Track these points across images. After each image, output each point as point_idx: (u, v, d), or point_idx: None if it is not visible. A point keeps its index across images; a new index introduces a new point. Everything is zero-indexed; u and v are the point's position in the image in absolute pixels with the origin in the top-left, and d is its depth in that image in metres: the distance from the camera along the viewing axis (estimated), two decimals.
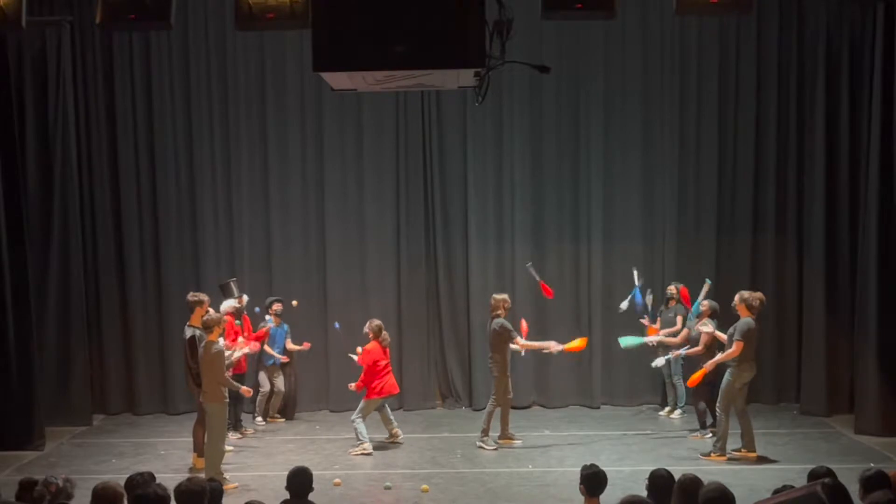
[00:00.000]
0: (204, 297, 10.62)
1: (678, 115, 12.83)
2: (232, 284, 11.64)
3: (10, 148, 11.26)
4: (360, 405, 11.02)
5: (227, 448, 10.85)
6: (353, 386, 11.09)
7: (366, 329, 11.10)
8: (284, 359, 12.28)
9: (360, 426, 10.90)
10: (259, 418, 12.33)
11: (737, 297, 10.42)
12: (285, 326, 12.26)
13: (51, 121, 12.14)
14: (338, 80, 6.48)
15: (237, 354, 10.85)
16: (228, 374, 10.05)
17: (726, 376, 10.31)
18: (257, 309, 12.01)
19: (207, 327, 9.66)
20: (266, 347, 12.01)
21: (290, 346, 12.34)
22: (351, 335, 12.68)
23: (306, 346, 12.40)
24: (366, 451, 10.83)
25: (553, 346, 11.23)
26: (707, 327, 10.84)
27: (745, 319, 10.28)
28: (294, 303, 12.26)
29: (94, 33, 12.49)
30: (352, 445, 10.96)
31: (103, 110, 12.77)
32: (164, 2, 7.54)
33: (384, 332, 11.17)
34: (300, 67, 12.48)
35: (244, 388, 10.27)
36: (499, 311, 10.99)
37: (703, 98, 12.82)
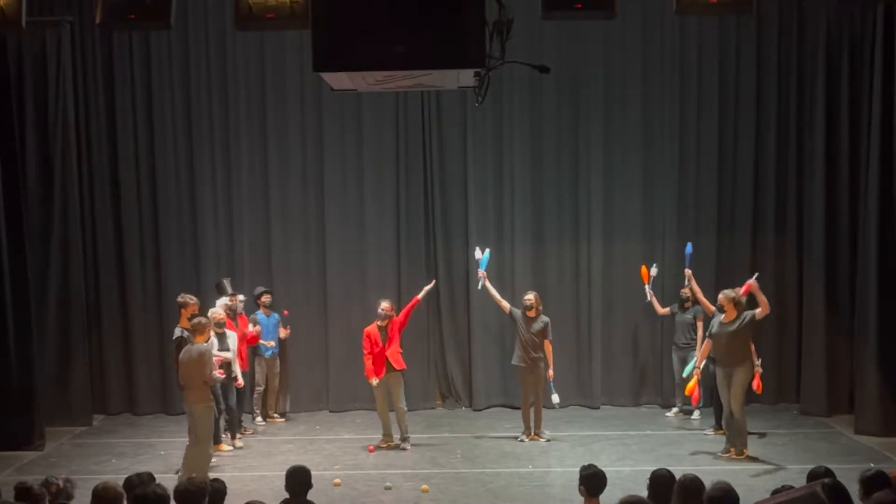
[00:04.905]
0: (189, 298, 10.68)
1: (678, 115, 12.82)
2: (225, 283, 11.70)
3: (10, 148, 11.26)
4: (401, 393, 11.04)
5: (227, 448, 10.89)
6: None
7: (387, 309, 11.00)
8: (286, 331, 12.27)
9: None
10: (259, 418, 12.34)
11: (724, 298, 10.37)
12: (276, 316, 12.25)
13: (51, 121, 12.14)
14: (338, 80, 6.47)
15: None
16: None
17: (742, 374, 10.28)
18: (247, 312, 11.98)
19: (196, 331, 9.70)
20: (260, 339, 12.03)
21: (283, 333, 12.32)
22: (349, 335, 12.75)
23: (286, 332, 12.31)
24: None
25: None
26: None
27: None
28: (286, 312, 12.30)
29: (94, 33, 12.49)
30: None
31: (103, 110, 12.77)
32: (164, 2, 7.53)
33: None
34: (300, 67, 12.47)
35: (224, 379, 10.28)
36: (540, 308, 11.24)
37: (703, 98, 12.81)
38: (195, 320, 9.86)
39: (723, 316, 10.37)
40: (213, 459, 9.99)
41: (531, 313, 11.20)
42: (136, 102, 12.78)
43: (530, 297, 11.27)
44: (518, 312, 11.29)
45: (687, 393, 11.30)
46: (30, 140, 12.07)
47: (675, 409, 12.44)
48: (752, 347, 10.56)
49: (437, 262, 13.09)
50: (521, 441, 11.26)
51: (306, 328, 12.88)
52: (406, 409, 11.14)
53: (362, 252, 13.05)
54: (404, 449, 10.99)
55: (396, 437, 11.13)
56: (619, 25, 12.16)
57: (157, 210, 12.90)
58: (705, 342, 10.71)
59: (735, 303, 10.28)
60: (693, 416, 12.18)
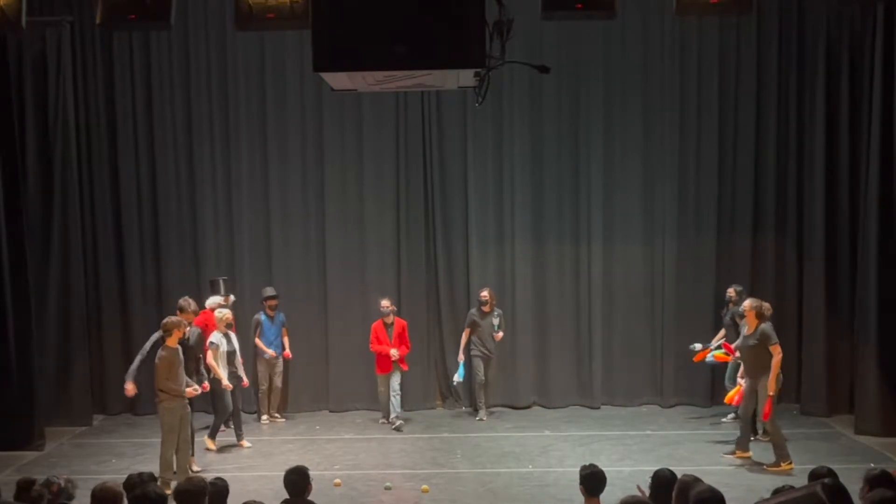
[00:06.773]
0: (184, 302, 10.57)
1: (678, 115, 12.82)
2: (221, 282, 11.76)
3: (10, 148, 11.26)
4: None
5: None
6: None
7: (387, 305, 11.93)
8: (286, 354, 12.36)
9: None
10: (265, 417, 12.35)
11: (747, 304, 10.28)
12: (280, 317, 12.29)
13: (51, 121, 12.14)
14: (338, 80, 6.47)
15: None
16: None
17: (766, 385, 10.12)
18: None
19: (166, 330, 9.70)
20: (258, 341, 12.14)
21: (285, 339, 12.39)
22: (349, 335, 12.76)
23: (272, 354, 12.21)
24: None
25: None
26: None
27: (768, 324, 10.21)
28: (286, 354, 12.42)
29: (94, 33, 12.49)
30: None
31: (103, 110, 12.77)
32: (164, 2, 7.55)
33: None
34: (300, 67, 12.47)
35: (189, 389, 9.92)
36: (494, 302, 12.28)
37: (703, 98, 12.81)
38: (164, 320, 9.85)
39: (746, 327, 10.31)
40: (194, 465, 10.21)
41: (486, 308, 12.15)
42: (136, 102, 12.78)
43: (485, 293, 12.24)
44: (474, 310, 12.28)
45: (726, 401, 11.20)
46: (30, 140, 12.06)
47: (731, 416, 11.81)
48: (778, 364, 10.17)
49: (437, 262, 13.08)
50: (481, 420, 12.18)
51: (306, 328, 12.88)
52: (399, 392, 11.94)
53: (362, 252, 13.05)
54: (399, 430, 11.65)
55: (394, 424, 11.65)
56: (619, 25, 12.18)
57: (157, 210, 12.90)
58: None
59: (756, 313, 10.17)
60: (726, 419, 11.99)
